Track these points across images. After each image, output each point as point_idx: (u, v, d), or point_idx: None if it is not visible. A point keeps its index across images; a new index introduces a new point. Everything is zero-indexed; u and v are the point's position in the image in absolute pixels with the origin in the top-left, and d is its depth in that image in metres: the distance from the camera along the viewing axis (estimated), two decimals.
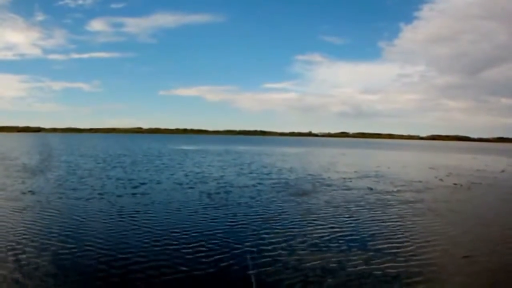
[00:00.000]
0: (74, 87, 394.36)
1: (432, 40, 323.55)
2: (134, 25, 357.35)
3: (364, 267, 8.51)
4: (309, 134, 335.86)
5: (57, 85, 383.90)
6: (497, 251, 9.89)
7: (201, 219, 12.98)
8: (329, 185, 21.72)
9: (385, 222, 13.01)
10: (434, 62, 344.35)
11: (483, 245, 10.50)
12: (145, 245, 9.89)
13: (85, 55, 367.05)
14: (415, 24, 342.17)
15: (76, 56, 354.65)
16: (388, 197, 18.13)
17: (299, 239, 10.60)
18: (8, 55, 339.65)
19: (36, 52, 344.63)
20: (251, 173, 27.61)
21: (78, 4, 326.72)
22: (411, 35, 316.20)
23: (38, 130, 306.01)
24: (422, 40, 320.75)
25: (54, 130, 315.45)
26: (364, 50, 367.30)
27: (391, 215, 14.07)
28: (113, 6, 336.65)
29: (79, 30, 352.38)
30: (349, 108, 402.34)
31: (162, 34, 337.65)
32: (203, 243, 10.06)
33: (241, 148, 77.09)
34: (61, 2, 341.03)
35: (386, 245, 10.14)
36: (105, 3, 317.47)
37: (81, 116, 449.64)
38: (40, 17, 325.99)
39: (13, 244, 9.63)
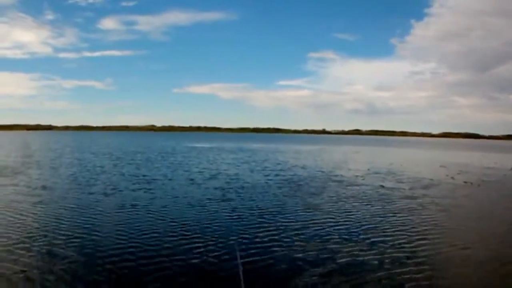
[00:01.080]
0: (86, 85, 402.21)
1: (442, 37, 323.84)
2: (146, 23, 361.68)
3: (373, 257, 9.15)
4: (323, 132, 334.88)
5: (69, 83, 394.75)
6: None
7: (212, 214, 13.64)
8: (341, 183, 22.28)
9: (395, 220, 13.24)
10: (445, 59, 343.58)
11: (494, 239, 10.96)
12: (159, 236, 10.69)
13: (97, 53, 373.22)
14: (426, 20, 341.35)
15: (88, 54, 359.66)
16: (400, 195, 18.49)
17: (311, 234, 11.14)
18: (18, 54, 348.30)
19: (46, 50, 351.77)
20: (263, 170, 28.31)
21: (88, 2, 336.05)
22: (422, 32, 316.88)
23: (49, 128, 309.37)
24: (433, 36, 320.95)
25: (66, 128, 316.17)
26: (377, 47, 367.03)
27: (401, 214, 14.26)
28: (124, 4, 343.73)
29: (91, 29, 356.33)
30: (362, 105, 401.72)
31: (174, 31, 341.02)
32: (218, 237, 10.75)
33: (255, 145, 77.74)
34: (71, 1, 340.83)
35: (395, 240, 10.56)
36: (116, 2, 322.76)
37: (93, 114, 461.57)
38: (50, 16, 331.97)
39: (36, 236, 10.43)
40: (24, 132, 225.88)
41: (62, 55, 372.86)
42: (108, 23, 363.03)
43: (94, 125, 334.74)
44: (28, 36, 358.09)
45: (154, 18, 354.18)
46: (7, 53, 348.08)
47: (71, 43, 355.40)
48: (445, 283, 7.73)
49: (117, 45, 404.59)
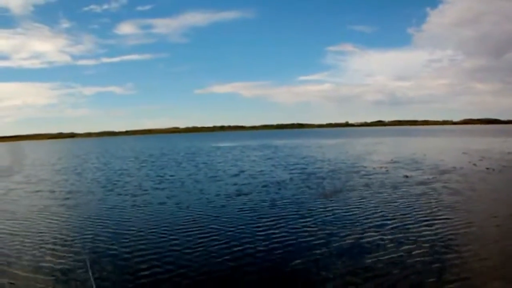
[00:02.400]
0: (107, 91, 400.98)
1: (457, 23, 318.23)
2: (164, 25, 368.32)
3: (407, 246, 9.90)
4: (346, 125, 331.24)
5: (89, 90, 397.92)
6: None
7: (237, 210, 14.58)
8: (365, 175, 22.85)
9: (421, 210, 13.41)
10: (461, 45, 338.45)
11: None
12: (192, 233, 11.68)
13: (116, 59, 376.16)
14: (441, 8, 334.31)
15: (106, 60, 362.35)
16: (424, 184, 18.81)
17: (341, 225, 11.79)
18: (36, 64, 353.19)
19: (65, 59, 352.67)
20: (288, 165, 29.07)
21: (103, 9, 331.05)
22: (438, 19, 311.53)
23: (71, 136, 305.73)
24: (448, 24, 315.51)
25: (88, 134, 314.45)
26: (394, 37, 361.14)
27: (427, 204, 14.39)
28: (140, 8, 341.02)
29: (108, 34, 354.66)
30: (384, 96, 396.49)
31: (193, 33, 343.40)
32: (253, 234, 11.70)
33: (279, 142, 78.11)
34: (85, 9, 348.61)
35: (420, 232, 10.78)
36: (131, 6, 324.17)
37: (115, 120, 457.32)
38: (65, 24, 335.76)
39: (66, 237, 11.43)
40: (47, 141, 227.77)
41: (80, 62, 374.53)
42: (125, 28, 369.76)
43: (117, 130, 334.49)
44: (45, 46, 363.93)
45: (171, 20, 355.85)
46: (25, 63, 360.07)
47: (89, 50, 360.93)
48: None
49: (136, 49, 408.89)
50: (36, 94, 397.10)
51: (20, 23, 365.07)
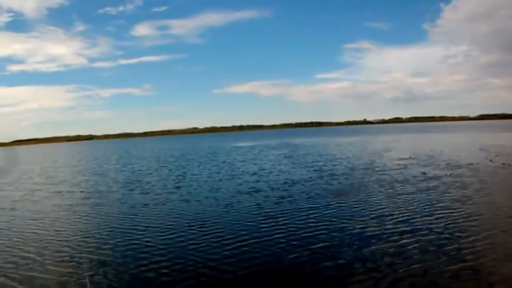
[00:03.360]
0: (124, 93, 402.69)
1: (471, 19, 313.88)
2: (180, 26, 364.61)
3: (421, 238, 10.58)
4: (364, 122, 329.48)
5: (106, 92, 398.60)
6: None
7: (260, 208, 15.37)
8: (383, 172, 23.37)
9: (439, 206, 13.75)
10: (475, 40, 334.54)
11: None
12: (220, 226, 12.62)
13: (133, 60, 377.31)
14: (454, 3, 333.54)
15: (124, 62, 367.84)
16: (441, 180, 19.18)
17: (358, 225, 12.15)
18: (52, 67, 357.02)
19: (81, 61, 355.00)
20: (306, 164, 29.64)
21: (119, 11, 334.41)
22: (452, 14, 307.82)
23: (89, 138, 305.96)
24: (462, 19, 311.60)
25: (106, 136, 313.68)
26: (410, 33, 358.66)
27: (444, 199, 14.77)
28: (156, 9, 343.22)
29: (124, 36, 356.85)
30: (401, 92, 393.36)
31: (209, 33, 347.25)
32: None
33: (298, 140, 78.61)
34: (100, 11, 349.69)
35: (439, 228, 11.24)
36: (147, 8, 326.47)
37: (134, 121, 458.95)
38: (80, 27, 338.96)
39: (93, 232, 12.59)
40: (65, 143, 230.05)
41: (97, 64, 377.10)
42: (142, 29, 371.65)
43: (135, 132, 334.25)
44: (60, 49, 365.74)
45: (188, 21, 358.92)
46: (40, 67, 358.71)
47: (106, 52, 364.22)
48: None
49: (153, 51, 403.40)
50: (53, 97, 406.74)
51: (34, 27, 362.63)
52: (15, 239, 12.52)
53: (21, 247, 11.50)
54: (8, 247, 11.59)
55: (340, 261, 8.84)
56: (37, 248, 11.24)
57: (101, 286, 8.29)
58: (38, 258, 10.27)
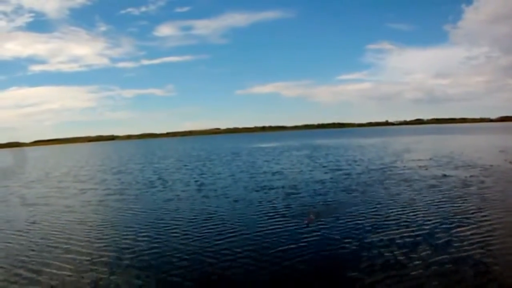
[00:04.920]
0: (147, 93, 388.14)
1: (492, 20, 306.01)
2: (203, 27, 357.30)
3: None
4: (386, 123, 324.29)
5: (128, 93, 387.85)
6: None
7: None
8: (405, 174, 23.52)
9: (460, 208, 13.93)
10: (496, 42, 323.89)
11: None
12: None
13: (156, 61, 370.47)
14: (475, 4, 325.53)
15: (146, 62, 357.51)
16: (462, 183, 19.03)
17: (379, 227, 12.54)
18: (74, 67, 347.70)
19: (103, 61, 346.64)
20: (328, 165, 29.96)
21: (141, 11, 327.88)
22: (473, 16, 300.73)
23: (111, 138, 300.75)
24: (483, 20, 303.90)
25: (128, 137, 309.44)
26: (431, 34, 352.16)
27: (465, 201, 14.87)
28: (179, 10, 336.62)
29: (147, 37, 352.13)
30: (422, 94, 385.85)
31: (233, 33, 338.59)
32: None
33: (320, 142, 78.58)
34: (123, 12, 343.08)
35: (456, 231, 11.41)
36: (169, 8, 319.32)
37: (156, 121, 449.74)
38: (103, 27, 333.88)
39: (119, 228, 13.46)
40: (87, 144, 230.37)
41: (120, 65, 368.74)
42: (165, 29, 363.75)
43: (157, 132, 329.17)
44: (83, 49, 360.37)
45: (211, 21, 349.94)
46: (63, 67, 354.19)
47: (128, 52, 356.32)
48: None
49: (176, 51, 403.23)
50: (74, 97, 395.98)
51: (57, 27, 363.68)
52: (48, 231, 13.79)
53: (52, 238, 12.70)
54: (41, 238, 12.75)
55: (374, 263, 8.96)
56: (66, 239, 12.43)
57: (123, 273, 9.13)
58: (65, 247, 11.48)
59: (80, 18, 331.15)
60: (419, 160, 30.90)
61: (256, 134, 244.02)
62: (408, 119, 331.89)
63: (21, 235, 13.32)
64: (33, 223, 15.26)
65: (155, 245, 11.24)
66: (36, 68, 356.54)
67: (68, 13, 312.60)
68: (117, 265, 9.68)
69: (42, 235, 13.19)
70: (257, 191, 19.77)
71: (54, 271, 9.47)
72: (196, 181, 24.93)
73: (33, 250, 11.38)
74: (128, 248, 11.02)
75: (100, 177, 30.81)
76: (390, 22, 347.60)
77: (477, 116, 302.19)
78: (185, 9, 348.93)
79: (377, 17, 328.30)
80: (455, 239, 10.30)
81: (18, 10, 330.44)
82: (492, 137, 68.21)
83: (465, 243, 9.93)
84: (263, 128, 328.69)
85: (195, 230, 12.66)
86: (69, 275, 9.15)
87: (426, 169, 25.03)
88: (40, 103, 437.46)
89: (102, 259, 10.21)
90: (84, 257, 10.40)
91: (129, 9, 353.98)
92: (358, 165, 29.52)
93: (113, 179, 29.18)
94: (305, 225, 12.00)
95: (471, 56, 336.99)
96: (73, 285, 8.62)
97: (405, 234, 10.92)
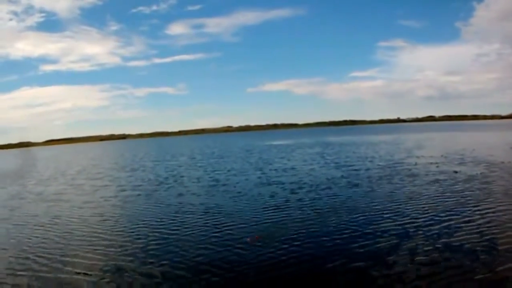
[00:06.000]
0: (159, 92, 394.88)
1: (503, 17, 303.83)
2: (215, 25, 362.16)
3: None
4: (398, 120, 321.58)
5: (140, 91, 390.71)
6: None
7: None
8: (417, 170, 23.52)
9: (471, 204, 13.69)
10: (508, 39, 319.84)
11: None
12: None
13: (168, 59, 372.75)
14: (486, 1, 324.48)
15: (158, 61, 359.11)
16: (473, 180, 18.84)
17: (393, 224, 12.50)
18: (85, 67, 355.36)
19: (115, 60, 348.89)
20: (339, 163, 30.00)
21: (152, 10, 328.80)
22: (484, 13, 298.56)
23: (123, 137, 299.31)
24: (494, 17, 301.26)
25: (140, 135, 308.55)
26: (443, 31, 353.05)
27: (476, 198, 14.71)
28: (190, 8, 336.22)
29: (159, 35, 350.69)
30: (434, 91, 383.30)
31: (244, 31, 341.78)
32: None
33: (332, 139, 78.48)
34: (134, 10, 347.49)
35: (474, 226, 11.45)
36: (181, 7, 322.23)
37: (168, 120, 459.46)
38: (114, 26, 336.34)
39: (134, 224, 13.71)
40: (99, 143, 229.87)
41: (131, 63, 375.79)
42: (176, 28, 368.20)
43: (169, 130, 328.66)
44: (94, 48, 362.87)
45: (223, 19, 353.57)
46: (74, 66, 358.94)
47: (140, 51, 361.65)
48: None
49: (187, 49, 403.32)
50: (86, 96, 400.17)
51: (67, 27, 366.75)
52: (71, 224, 14.40)
53: (76, 231, 13.22)
54: (65, 232, 13.24)
55: (387, 258, 8.94)
56: (89, 232, 12.97)
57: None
58: (80, 242, 11.89)
59: (91, 17, 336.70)
60: (431, 157, 30.73)
61: (268, 131, 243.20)
62: (420, 116, 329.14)
63: (46, 229, 13.80)
64: (55, 217, 15.78)
65: (176, 236, 11.71)
66: (47, 67, 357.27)
67: (79, 13, 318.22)
68: (141, 255, 10.15)
69: (67, 228, 13.69)
70: (272, 185, 20.05)
71: (82, 261, 9.93)
72: (211, 177, 25.29)
73: (58, 243, 11.84)
74: (151, 239, 11.52)
75: (115, 175, 31.40)
76: (401, 19, 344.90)
77: (488, 113, 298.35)
78: (197, 7, 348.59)
79: (389, 14, 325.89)
80: (462, 233, 10.41)
81: (29, 10, 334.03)
82: (503, 134, 67.54)
83: (471, 232, 10.08)
84: (275, 126, 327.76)
85: (209, 222, 13.08)
86: (95, 264, 9.60)
87: (438, 166, 24.92)
88: (51, 102, 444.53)
89: (126, 250, 10.65)
90: (109, 248, 10.87)
91: (140, 8, 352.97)
92: (369, 161, 29.59)
93: (127, 176, 29.76)
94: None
95: (482, 53, 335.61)
96: (100, 273, 9.02)
97: (418, 228, 11.06)
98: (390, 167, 25.53)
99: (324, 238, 10.65)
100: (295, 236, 10.99)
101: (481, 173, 20.76)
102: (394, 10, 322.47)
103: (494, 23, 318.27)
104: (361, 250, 9.56)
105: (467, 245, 9.46)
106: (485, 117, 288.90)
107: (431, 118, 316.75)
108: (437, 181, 19.15)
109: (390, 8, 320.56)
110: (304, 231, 11.46)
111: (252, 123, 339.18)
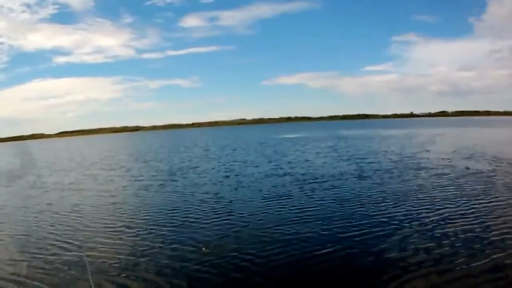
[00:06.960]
0: (172, 84, 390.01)
1: None
2: (230, 17, 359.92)
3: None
4: (411, 115, 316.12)
5: (154, 84, 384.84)
6: None
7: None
8: (428, 166, 23.57)
9: (483, 201, 13.56)
10: None
11: None
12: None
13: (182, 52, 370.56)
14: None
15: (172, 53, 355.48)
16: (485, 176, 18.72)
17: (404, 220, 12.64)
18: (99, 58, 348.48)
19: (129, 52, 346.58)
20: (351, 157, 30.24)
21: (167, 3, 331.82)
22: (497, 8, 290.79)
23: (136, 129, 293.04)
24: (507, 13, 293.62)
25: (153, 128, 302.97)
26: (456, 27, 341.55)
27: (488, 194, 14.55)
28: (204, 1, 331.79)
29: (173, 28, 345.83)
30: (447, 86, 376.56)
31: (259, 24, 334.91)
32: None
33: (345, 133, 78.22)
34: (148, 3, 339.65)
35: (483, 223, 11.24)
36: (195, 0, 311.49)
37: (181, 112, 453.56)
38: (128, 19, 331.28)
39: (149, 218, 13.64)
40: (112, 134, 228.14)
41: (145, 56, 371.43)
42: (191, 21, 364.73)
43: (183, 123, 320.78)
44: (108, 41, 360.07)
45: (237, 12, 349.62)
46: (88, 58, 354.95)
47: (154, 43, 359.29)
48: None
49: (202, 42, 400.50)
50: (99, 88, 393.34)
51: (81, 19, 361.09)
52: (92, 212, 15.01)
53: (97, 219, 13.77)
54: (88, 220, 13.73)
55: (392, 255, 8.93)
56: (110, 219, 13.57)
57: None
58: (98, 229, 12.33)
59: (105, 10, 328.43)
60: (443, 152, 30.62)
61: (282, 124, 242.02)
62: (432, 111, 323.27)
63: (68, 217, 14.34)
64: (76, 205, 16.39)
65: (195, 224, 12.20)
66: (61, 59, 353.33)
67: (93, 5, 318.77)
68: (157, 240, 10.69)
69: (88, 216, 14.26)
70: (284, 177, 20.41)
71: (104, 247, 10.35)
72: (226, 168, 25.96)
73: (78, 229, 12.36)
74: (167, 226, 12.05)
75: (130, 166, 32.11)
76: (415, 14, 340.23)
77: (501, 109, 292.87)
78: (211, 0, 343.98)
79: (403, 8, 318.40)
80: (473, 231, 10.47)
81: (42, 2, 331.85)
82: None
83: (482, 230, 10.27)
84: (289, 119, 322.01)
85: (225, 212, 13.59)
86: (119, 251, 10.05)
87: (450, 161, 24.92)
88: (64, 94, 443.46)
89: (149, 236, 11.21)
90: (130, 236, 11.34)
91: (155, 0, 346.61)
92: (384, 156, 29.80)
93: (142, 166, 30.58)
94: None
95: (496, 49, 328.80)
96: (122, 256, 9.57)
97: (427, 226, 11.29)
98: (402, 161, 25.66)
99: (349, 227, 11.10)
100: (312, 223, 11.48)
101: (492, 169, 20.72)
102: (408, 4, 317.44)
103: (507, 19, 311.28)
104: (381, 240, 9.92)
105: (478, 240, 9.53)
106: (497, 113, 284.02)
107: (443, 114, 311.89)
108: (449, 176, 19.15)
109: (404, 2, 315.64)
110: (321, 216, 11.92)
111: (266, 116, 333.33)
